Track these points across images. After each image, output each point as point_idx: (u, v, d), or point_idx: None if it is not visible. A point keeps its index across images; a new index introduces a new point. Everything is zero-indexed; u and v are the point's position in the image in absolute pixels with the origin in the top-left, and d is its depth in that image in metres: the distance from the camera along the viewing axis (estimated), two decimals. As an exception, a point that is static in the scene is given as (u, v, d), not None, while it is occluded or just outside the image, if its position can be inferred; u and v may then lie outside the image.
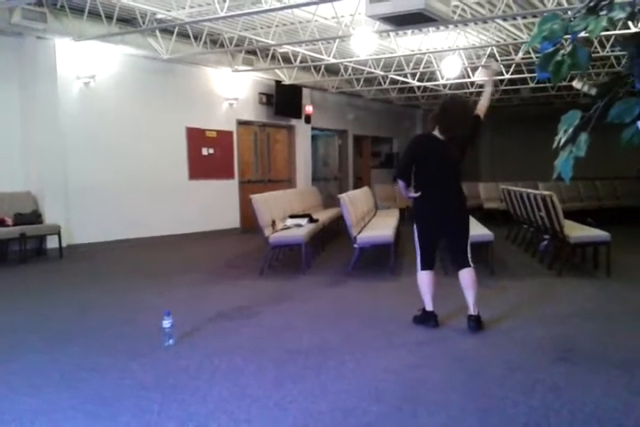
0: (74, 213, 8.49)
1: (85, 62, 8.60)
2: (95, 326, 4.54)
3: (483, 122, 4.40)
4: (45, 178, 8.20)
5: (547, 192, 6.59)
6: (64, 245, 8.09)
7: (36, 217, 7.93)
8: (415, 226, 4.32)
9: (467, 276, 4.20)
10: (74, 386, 3.19)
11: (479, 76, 4.48)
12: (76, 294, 5.77)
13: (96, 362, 3.62)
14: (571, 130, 1.71)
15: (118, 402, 2.96)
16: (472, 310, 4.18)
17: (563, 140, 1.74)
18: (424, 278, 4.28)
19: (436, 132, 4.23)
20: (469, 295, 4.18)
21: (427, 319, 4.29)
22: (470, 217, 4.56)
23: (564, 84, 11.24)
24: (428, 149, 4.28)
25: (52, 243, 8.07)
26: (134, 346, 3.94)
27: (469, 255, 4.23)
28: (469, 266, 4.21)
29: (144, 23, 7.89)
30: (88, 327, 4.49)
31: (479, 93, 13.84)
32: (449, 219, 4.27)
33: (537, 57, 9.42)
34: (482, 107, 4.45)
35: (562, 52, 1.70)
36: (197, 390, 3.12)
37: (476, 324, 4.14)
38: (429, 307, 4.29)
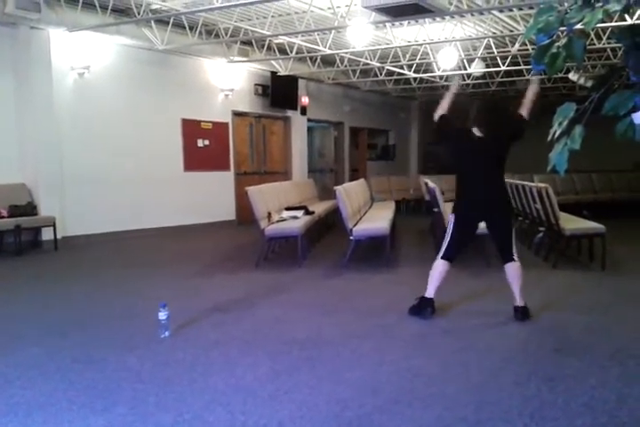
0: (69, 205, 8.47)
1: (80, 53, 8.53)
2: (90, 318, 4.53)
3: (525, 120, 4.32)
4: (40, 170, 8.16)
5: (542, 184, 6.60)
6: (59, 236, 8.07)
7: (31, 209, 7.91)
8: (454, 217, 4.39)
9: (511, 270, 4.33)
10: (69, 378, 3.19)
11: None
12: (71, 287, 5.77)
13: (92, 354, 3.62)
14: (566, 122, 1.71)
15: (114, 394, 2.96)
16: (518, 302, 4.31)
17: (558, 133, 1.73)
18: (439, 267, 4.37)
19: (476, 130, 4.27)
20: (515, 288, 4.32)
21: (423, 307, 4.36)
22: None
23: (560, 76, 11.20)
24: (466, 144, 4.33)
25: (47, 235, 8.04)
26: (130, 338, 3.94)
27: (514, 250, 4.32)
28: (514, 260, 4.31)
29: (139, 13, 7.82)
30: (83, 320, 4.48)
31: (474, 86, 13.86)
32: (490, 216, 4.35)
33: (533, 49, 9.39)
34: (525, 106, 4.38)
35: (557, 44, 1.70)
36: (193, 382, 3.12)
37: (522, 314, 4.28)
38: (430, 294, 4.36)
